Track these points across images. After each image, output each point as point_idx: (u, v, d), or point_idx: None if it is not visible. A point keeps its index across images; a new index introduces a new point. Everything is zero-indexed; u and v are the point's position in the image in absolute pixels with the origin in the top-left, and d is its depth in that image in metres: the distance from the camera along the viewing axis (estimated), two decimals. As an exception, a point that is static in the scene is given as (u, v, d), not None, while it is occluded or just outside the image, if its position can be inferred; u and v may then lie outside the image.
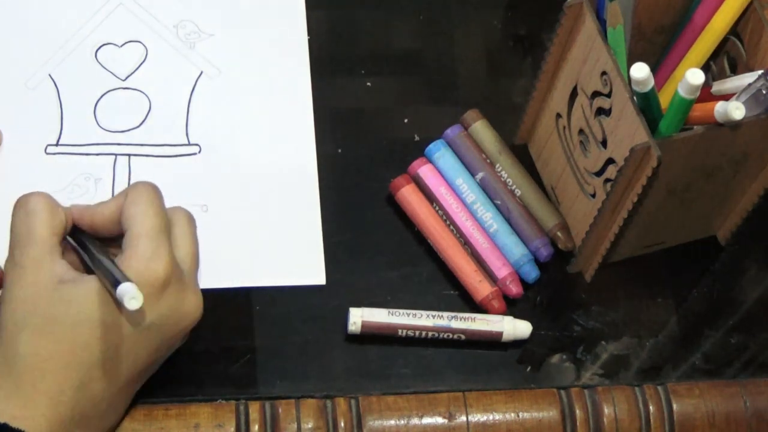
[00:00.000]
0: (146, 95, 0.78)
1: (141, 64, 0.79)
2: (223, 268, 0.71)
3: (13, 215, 0.64)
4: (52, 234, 0.63)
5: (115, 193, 0.73)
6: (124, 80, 0.79)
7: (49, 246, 0.63)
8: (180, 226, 0.66)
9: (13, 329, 0.61)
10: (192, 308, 0.64)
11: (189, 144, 0.76)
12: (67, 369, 0.60)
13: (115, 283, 0.59)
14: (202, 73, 0.79)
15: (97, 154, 0.75)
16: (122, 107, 0.77)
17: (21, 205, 0.64)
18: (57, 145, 0.75)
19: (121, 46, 0.80)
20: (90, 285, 0.61)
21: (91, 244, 0.65)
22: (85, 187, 0.74)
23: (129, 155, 0.75)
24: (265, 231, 0.73)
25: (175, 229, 0.65)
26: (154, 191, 0.65)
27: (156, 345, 0.63)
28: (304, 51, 0.81)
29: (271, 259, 0.72)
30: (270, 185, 0.75)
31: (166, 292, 0.62)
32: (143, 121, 0.77)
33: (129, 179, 0.74)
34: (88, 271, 0.64)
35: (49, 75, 0.78)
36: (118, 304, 0.60)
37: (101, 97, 0.78)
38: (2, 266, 0.65)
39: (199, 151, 0.76)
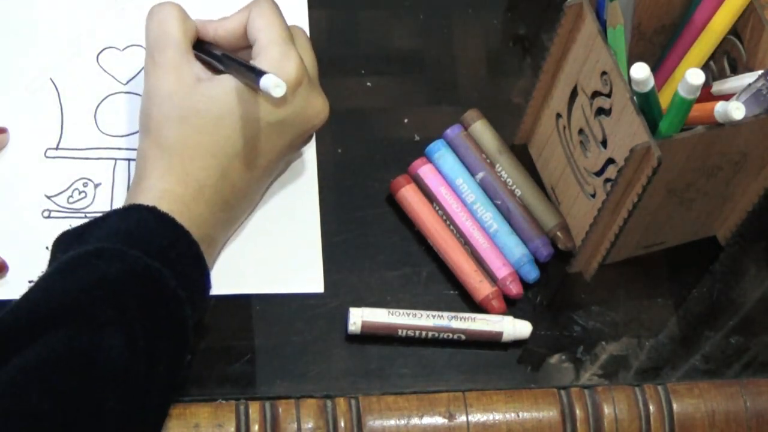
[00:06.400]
0: None
1: (143, 68, 0.79)
2: (223, 275, 0.71)
3: (147, 23, 0.71)
4: (186, 37, 0.70)
5: (115, 198, 0.74)
6: (125, 84, 0.79)
7: (185, 47, 0.69)
8: (300, 39, 0.71)
9: (161, 121, 0.67)
10: (320, 108, 0.70)
11: None
12: (212, 157, 0.67)
13: (258, 76, 0.64)
14: None
15: (97, 158, 0.75)
16: (123, 111, 0.77)
17: (154, 14, 0.71)
18: (57, 148, 0.75)
19: (123, 50, 0.80)
20: (228, 83, 0.67)
21: (219, 51, 0.70)
22: (84, 192, 0.74)
23: (129, 160, 0.75)
24: (265, 238, 0.73)
25: (296, 41, 0.70)
26: (277, 5, 0.71)
27: (288, 140, 0.69)
28: None
29: (270, 266, 0.73)
30: (270, 192, 0.75)
31: (298, 92, 0.68)
32: None
33: (128, 184, 0.74)
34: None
35: (50, 79, 0.78)
36: (260, 95, 0.66)
37: (102, 101, 0.78)
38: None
39: None
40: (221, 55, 0.70)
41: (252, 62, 0.68)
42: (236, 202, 0.69)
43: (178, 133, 0.67)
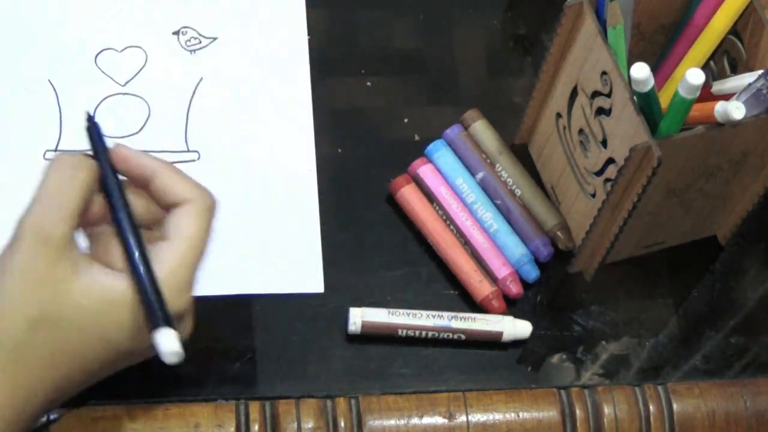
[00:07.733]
0: (146, 101, 0.78)
1: (141, 69, 0.79)
2: (221, 276, 0.71)
3: (46, 174, 0.59)
4: (74, 219, 0.58)
5: None
6: (123, 86, 0.79)
7: (68, 236, 0.58)
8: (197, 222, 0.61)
9: (9, 312, 0.57)
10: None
11: (188, 150, 0.76)
12: (54, 370, 0.58)
13: (155, 326, 0.56)
14: (201, 79, 0.79)
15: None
16: (121, 113, 0.77)
17: (52, 169, 0.59)
18: (56, 150, 0.75)
19: (121, 51, 0.80)
20: (98, 292, 0.57)
21: (131, 229, 0.58)
22: None
23: None
24: (264, 238, 0.73)
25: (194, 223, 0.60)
26: (214, 213, 0.61)
27: (135, 361, 0.61)
28: (304, 55, 0.81)
29: (269, 266, 0.73)
30: (269, 193, 0.75)
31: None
32: (142, 127, 0.77)
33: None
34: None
35: (49, 80, 0.78)
36: (125, 309, 0.57)
37: (100, 102, 0.78)
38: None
39: (198, 158, 0.76)
40: (127, 247, 0.58)
41: (158, 249, 0.58)
42: (49, 407, 0.60)
43: (27, 336, 0.57)
